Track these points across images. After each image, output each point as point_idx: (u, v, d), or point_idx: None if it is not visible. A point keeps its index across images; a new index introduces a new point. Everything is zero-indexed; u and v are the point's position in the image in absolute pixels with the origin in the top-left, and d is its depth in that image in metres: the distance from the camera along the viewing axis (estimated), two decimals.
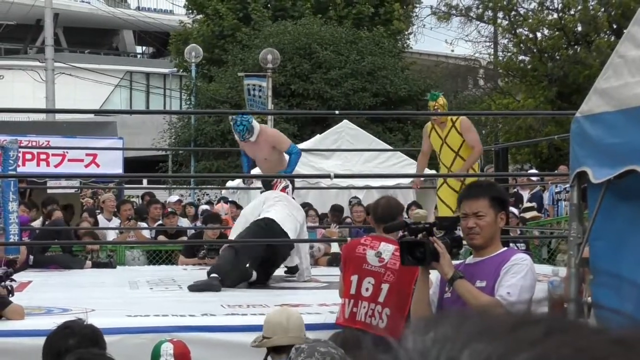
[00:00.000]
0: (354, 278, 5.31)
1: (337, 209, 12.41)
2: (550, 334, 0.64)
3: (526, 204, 13.07)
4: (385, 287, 5.19)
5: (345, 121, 15.47)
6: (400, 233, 4.43)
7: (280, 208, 8.16)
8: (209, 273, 7.88)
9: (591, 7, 22.21)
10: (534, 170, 18.80)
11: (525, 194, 14.23)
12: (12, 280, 6.55)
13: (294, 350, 3.72)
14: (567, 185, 12.23)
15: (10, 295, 6.07)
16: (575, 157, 4.49)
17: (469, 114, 9.12)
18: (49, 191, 15.21)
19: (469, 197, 4.10)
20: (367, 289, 5.25)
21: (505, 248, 4.30)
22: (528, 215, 12.08)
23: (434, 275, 4.19)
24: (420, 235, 4.02)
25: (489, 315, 0.68)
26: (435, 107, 9.28)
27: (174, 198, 14.25)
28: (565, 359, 0.61)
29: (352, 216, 12.03)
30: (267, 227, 7.98)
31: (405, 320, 4.99)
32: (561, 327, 0.66)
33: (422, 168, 9.81)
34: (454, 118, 9.18)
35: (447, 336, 0.64)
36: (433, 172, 12.07)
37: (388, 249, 5.24)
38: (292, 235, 8.06)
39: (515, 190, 14.31)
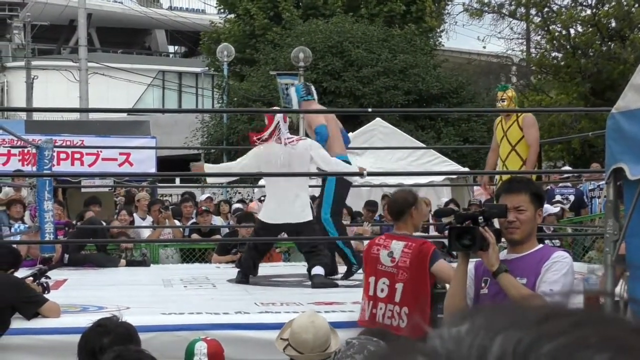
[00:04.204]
0: (372, 279, 5.28)
1: (371, 204, 12.39)
2: (580, 325, 0.65)
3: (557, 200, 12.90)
4: (399, 286, 5.13)
5: (377, 119, 15.45)
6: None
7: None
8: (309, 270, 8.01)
9: (625, 3, 22.00)
10: (567, 167, 18.63)
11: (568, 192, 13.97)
12: (48, 277, 6.61)
13: (344, 344, 3.74)
14: (601, 183, 12.17)
15: (46, 292, 6.12)
16: (611, 154, 4.43)
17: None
18: (83, 190, 15.33)
19: (510, 192, 4.06)
20: (382, 290, 5.21)
21: (542, 245, 4.26)
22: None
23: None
24: (466, 223, 3.99)
25: (522, 307, 0.70)
26: (503, 98, 9.16)
27: (204, 196, 14.29)
28: (592, 348, 0.63)
29: (384, 213, 11.98)
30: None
31: (428, 318, 4.94)
32: (592, 319, 0.67)
33: (490, 166, 9.45)
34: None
35: (480, 325, 0.67)
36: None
37: (398, 247, 5.18)
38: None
39: (549, 187, 14.18)
